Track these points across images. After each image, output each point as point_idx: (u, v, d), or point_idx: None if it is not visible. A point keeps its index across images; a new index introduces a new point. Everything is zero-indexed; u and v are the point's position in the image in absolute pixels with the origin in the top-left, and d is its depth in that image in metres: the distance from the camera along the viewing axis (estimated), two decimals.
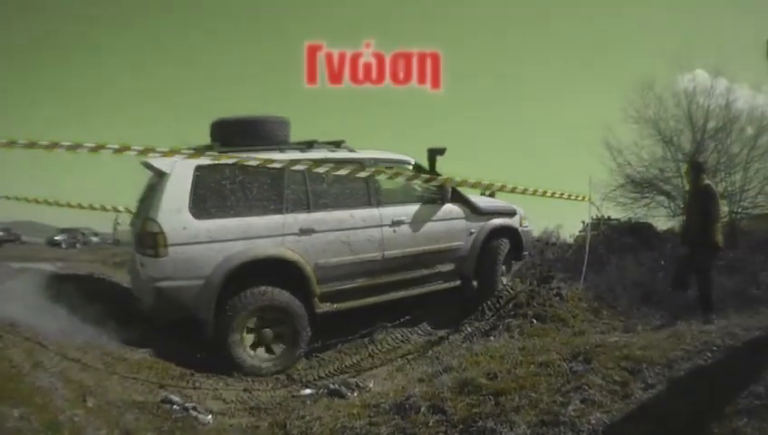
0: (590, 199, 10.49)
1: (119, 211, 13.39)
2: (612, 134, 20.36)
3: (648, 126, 19.51)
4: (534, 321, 7.42)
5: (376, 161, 8.31)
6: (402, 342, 7.83)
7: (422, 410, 4.35)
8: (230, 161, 7.08)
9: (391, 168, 8.29)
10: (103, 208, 12.32)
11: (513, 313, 7.90)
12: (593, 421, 3.65)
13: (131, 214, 9.33)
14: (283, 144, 8.13)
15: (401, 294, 8.36)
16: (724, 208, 12.89)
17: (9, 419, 4.04)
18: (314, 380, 6.72)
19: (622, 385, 4.10)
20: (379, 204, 8.21)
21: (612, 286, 9.17)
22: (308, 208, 7.56)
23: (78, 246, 43.26)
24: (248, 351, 7.00)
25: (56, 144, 6.56)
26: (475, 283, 9.39)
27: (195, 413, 5.41)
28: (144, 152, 6.60)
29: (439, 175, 8.72)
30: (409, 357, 7.25)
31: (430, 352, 7.22)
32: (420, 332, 8.39)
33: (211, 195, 7.06)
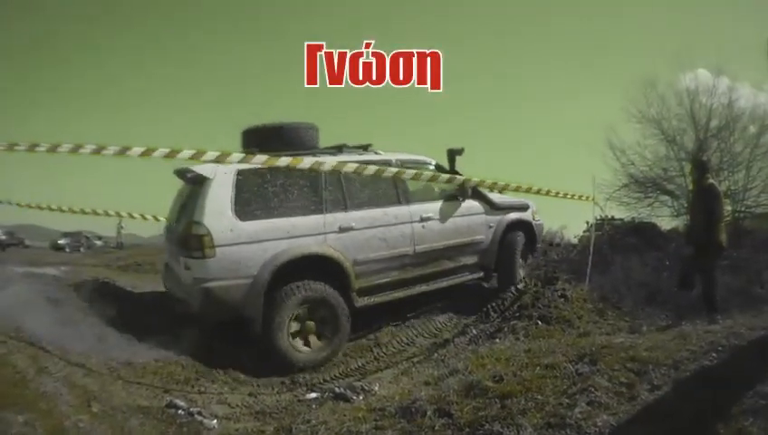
0: (593, 199, 10.51)
1: (121, 216, 13.43)
2: (615, 134, 20.37)
3: (651, 125, 19.51)
4: (539, 322, 7.41)
5: (403, 163, 8.73)
6: (407, 344, 7.81)
7: (428, 413, 4.34)
8: (278, 163, 7.17)
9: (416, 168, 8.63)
10: (106, 214, 12.36)
11: (518, 314, 7.89)
12: (600, 423, 3.65)
13: (142, 217, 9.55)
14: (313, 149, 8.55)
15: (430, 286, 8.79)
16: (727, 208, 12.86)
17: (14, 424, 4.06)
18: (319, 383, 6.72)
19: (628, 387, 4.10)
20: (408, 202, 8.63)
21: (617, 287, 9.16)
22: (345, 208, 7.91)
23: (82, 249, 43.32)
24: (294, 344, 7.30)
25: (57, 145, 6.54)
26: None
27: (200, 418, 5.41)
28: (170, 155, 6.60)
29: (459, 174, 9.21)
30: (415, 360, 7.23)
31: (436, 354, 7.20)
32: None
33: (254, 197, 7.32)
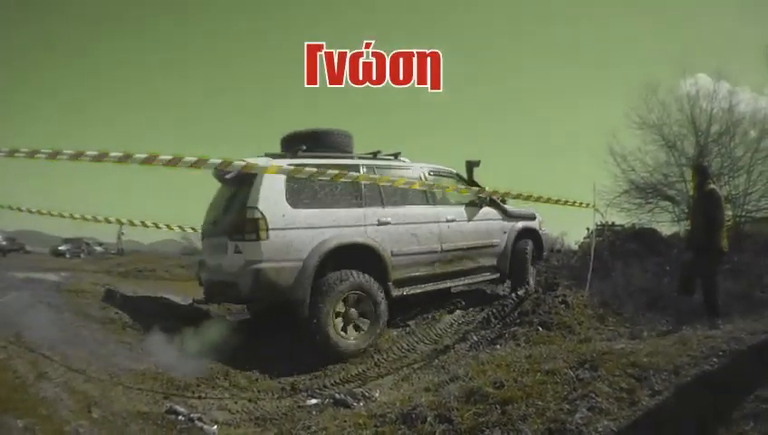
0: (594, 206, 10.56)
1: (122, 222, 13.44)
2: (616, 140, 20.39)
3: (652, 131, 19.51)
4: (540, 328, 7.40)
5: (429, 171, 9.62)
6: (408, 351, 7.80)
7: (428, 419, 4.34)
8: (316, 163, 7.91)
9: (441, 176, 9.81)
10: (107, 221, 12.36)
11: (518, 320, 7.91)
12: (601, 429, 3.64)
13: (143, 225, 9.83)
14: (351, 153, 9.27)
15: (454, 282, 9.58)
16: (728, 212, 12.85)
17: (14, 429, 4.06)
18: (320, 390, 6.69)
19: (629, 392, 4.09)
20: (435, 203, 9.40)
21: (617, 293, 9.17)
22: (382, 204, 8.55)
23: (82, 255, 43.38)
24: (338, 329, 7.76)
25: (58, 152, 6.53)
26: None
27: (200, 424, 5.42)
28: (172, 162, 6.61)
29: (476, 183, 10.05)
30: (415, 366, 7.21)
31: (436, 361, 7.18)
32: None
33: (303, 187, 7.85)
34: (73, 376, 5.73)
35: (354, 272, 7.91)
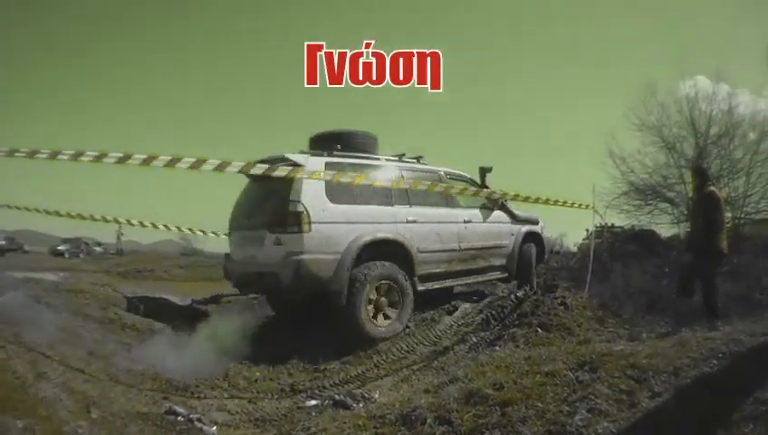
0: (593, 207, 10.60)
1: (119, 222, 13.48)
2: (615, 142, 20.30)
3: (651, 133, 19.42)
4: (539, 330, 7.39)
5: (447, 174, 10.22)
6: (407, 352, 7.80)
7: (428, 421, 4.34)
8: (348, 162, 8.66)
9: (457, 180, 10.40)
10: (104, 220, 12.39)
11: (518, 322, 7.89)
12: (600, 431, 3.64)
13: (141, 225, 10.02)
14: (376, 154, 9.62)
15: (469, 279, 10.27)
16: (727, 214, 12.82)
17: (13, 430, 4.05)
18: (319, 391, 6.69)
19: (629, 394, 4.09)
20: (454, 205, 10.02)
21: (617, 294, 9.17)
22: (409, 203, 9.04)
23: (81, 255, 43.39)
24: (370, 317, 8.23)
25: (58, 152, 6.55)
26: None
27: (199, 424, 5.42)
28: (170, 163, 6.63)
29: (487, 187, 10.35)
30: (415, 368, 7.21)
31: (436, 362, 7.17)
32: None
33: (340, 184, 8.09)
34: (73, 376, 5.73)
35: (386, 263, 8.42)
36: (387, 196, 8.75)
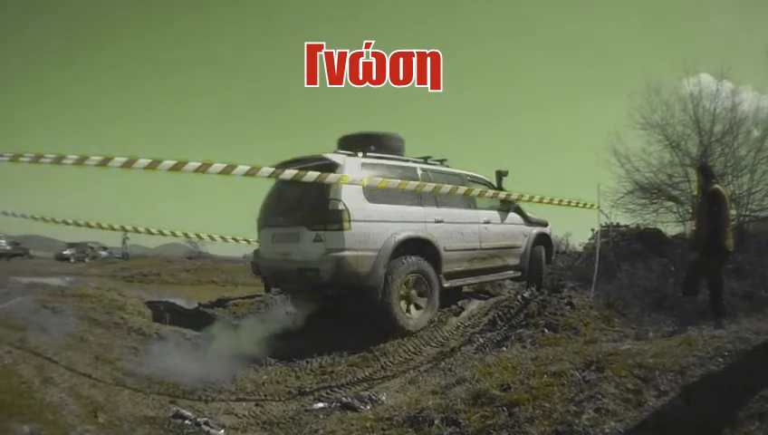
0: (598, 207, 10.64)
1: (126, 229, 13.53)
2: (620, 140, 20.22)
3: (656, 131, 19.30)
4: (546, 330, 7.39)
5: (467, 176, 10.72)
6: (414, 354, 7.80)
7: (436, 422, 4.34)
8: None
9: (476, 182, 10.76)
10: (111, 228, 12.44)
11: (524, 322, 7.89)
12: (607, 430, 3.63)
13: (148, 232, 10.22)
14: (404, 156, 10.10)
15: (487, 278, 10.80)
16: (732, 212, 12.78)
17: (20, 434, 4.05)
18: (327, 393, 6.69)
19: (636, 393, 4.07)
20: (475, 207, 10.41)
21: (623, 294, 9.20)
22: (436, 204, 9.47)
23: (86, 260, 43.44)
24: (403, 309, 8.64)
25: (62, 157, 6.54)
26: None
27: (207, 428, 5.42)
28: (176, 167, 6.63)
29: (504, 190, 10.75)
30: (422, 369, 7.21)
31: (443, 363, 7.16)
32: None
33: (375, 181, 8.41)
34: (79, 381, 5.73)
35: (417, 258, 8.80)
36: (417, 196, 9.09)
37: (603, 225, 14.44)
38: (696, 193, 12.73)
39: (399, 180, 8.43)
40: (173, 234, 13.78)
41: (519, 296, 9.17)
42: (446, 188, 8.90)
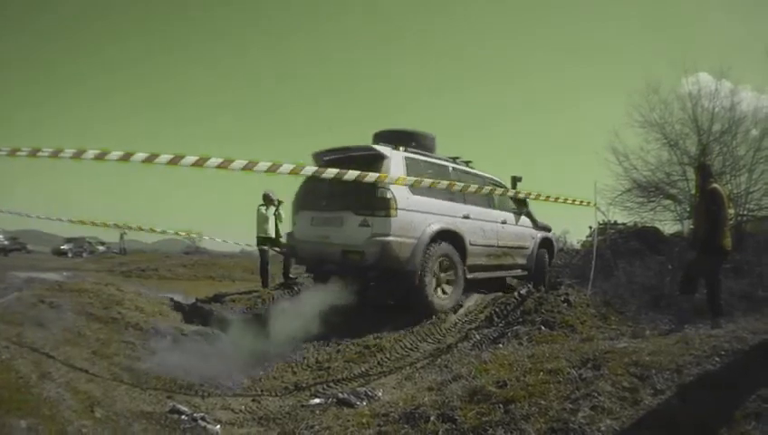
0: (596, 205, 10.67)
1: (121, 227, 13.59)
2: (618, 138, 20.24)
3: (654, 130, 19.34)
4: (543, 328, 7.42)
5: (488, 179, 11.39)
6: (411, 350, 7.79)
7: (432, 419, 4.33)
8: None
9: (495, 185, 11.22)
10: (105, 225, 12.53)
11: (521, 320, 7.94)
12: (603, 428, 3.63)
13: (139, 228, 10.27)
14: (436, 153, 10.62)
15: (498, 274, 11.27)
16: (730, 211, 12.83)
17: (17, 430, 4.06)
18: (323, 389, 6.69)
19: (632, 391, 4.08)
20: (494, 207, 11.13)
21: (620, 291, 9.28)
22: (464, 201, 10.15)
23: (84, 255, 43.47)
24: (434, 291, 9.18)
25: (59, 151, 6.52)
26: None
27: (203, 423, 5.42)
28: (173, 161, 6.57)
29: (518, 193, 10.75)
30: (418, 365, 7.21)
31: (439, 360, 7.16)
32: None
33: (416, 176, 8.83)
34: (76, 376, 5.73)
35: (447, 244, 9.38)
36: (449, 192, 9.53)
37: (601, 223, 14.51)
38: (694, 192, 12.74)
39: (447, 181, 9.03)
40: (177, 233, 13.85)
41: (516, 293, 9.29)
42: (474, 187, 9.42)
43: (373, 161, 8.85)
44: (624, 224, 19.18)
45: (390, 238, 8.64)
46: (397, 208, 8.71)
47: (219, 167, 6.51)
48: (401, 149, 9.48)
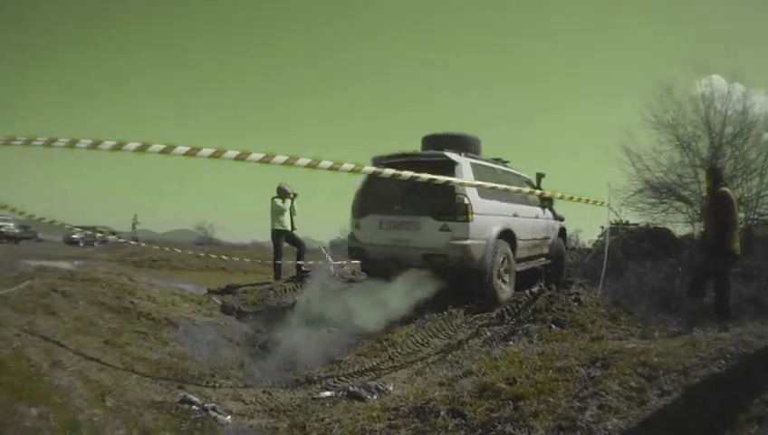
0: (608, 204, 10.65)
1: (116, 233, 13.64)
2: (631, 139, 20.15)
3: (667, 131, 19.24)
4: (553, 326, 7.44)
5: (524, 178, 12.23)
6: (422, 345, 7.81)
7: (441, 413, 4.37)
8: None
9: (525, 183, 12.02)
10: (99, 231, 12.63)
11: (532, 317, 7.99)
12: (610, 427, 3.66)
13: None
14: (480, 156, 10.93)
15: (533, 264, 11.82)
16: (741, 215, 12.75)
17: (28, 418, 4.09)
18: (334, 382, 6.75)
19: (639, 391, 4.10)
20: (530, 204, 11.77)
21: (630, 292, 9.29)
22: (511, 201, 10.65)
23: (95, 244, 43.50)
24: (500, 286, 9.69)
25: (54, 140, 6.50)
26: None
27: (214, 414, 5.45)
28: (165, 151, 6.58)
29: (542, 190, 11.54)
30: (429, 361, 7.23)
31: (450, 356, 7.18)
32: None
33: (478, 180, 9.38)
34: (88, 365, 5.76)
35: (503, 240, 9.97)
36: (503, 193, 10.05)
37: (613, 222, 14.52)
38: (705, 194, 12.72)
39: (507, 186, 9.64)
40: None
41: (527, 291, 9.36)
42: (527, 190, 10.45)
43: (445, 167, 9.08)
44: (636, 224, 19.13)
45: (469, 241, 9.13)
46: (473, 213, 9.18)
47: (237, 159, 6.51)
48: (462, 154, 9.79)
